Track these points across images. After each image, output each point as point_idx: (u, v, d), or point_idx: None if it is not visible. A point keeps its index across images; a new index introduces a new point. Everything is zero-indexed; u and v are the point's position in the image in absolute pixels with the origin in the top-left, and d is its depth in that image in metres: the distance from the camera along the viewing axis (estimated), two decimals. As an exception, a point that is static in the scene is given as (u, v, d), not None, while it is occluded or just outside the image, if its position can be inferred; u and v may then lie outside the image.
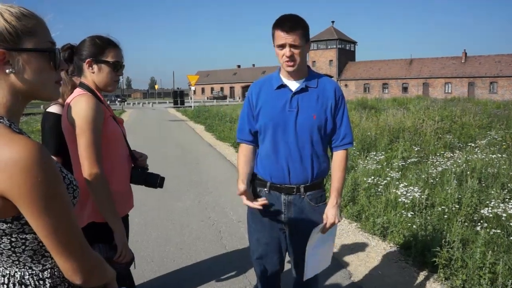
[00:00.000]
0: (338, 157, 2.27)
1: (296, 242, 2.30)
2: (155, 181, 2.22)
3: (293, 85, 2.17)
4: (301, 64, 2.12)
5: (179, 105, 44.61)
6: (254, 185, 2.31)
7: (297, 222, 2.25)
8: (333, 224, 2.17)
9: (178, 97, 47.69)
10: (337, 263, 3.87)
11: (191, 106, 34.73)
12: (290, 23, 2.06)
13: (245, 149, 2.32)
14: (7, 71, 0.98)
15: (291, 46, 2.05)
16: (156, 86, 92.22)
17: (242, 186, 2.16)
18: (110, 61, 2.01)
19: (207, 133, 16.18)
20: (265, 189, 2.26)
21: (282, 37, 2.05)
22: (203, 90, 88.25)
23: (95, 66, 2.00)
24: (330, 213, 2.17)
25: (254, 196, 2.27)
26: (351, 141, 2.27)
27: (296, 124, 2.14)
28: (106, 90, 2.08)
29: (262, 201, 2.13)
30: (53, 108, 2.50)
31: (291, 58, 2.06)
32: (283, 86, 2.18)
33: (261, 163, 2.27)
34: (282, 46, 2.07)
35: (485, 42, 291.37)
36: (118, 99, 54.95)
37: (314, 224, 2.20)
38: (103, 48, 1.99)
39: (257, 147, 2.32)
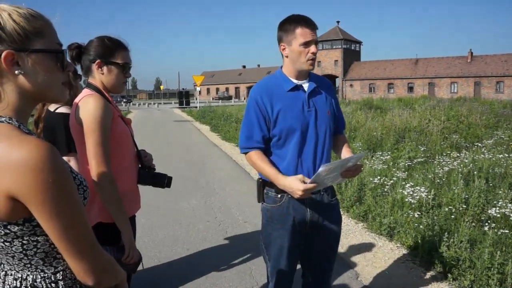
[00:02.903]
0: (343, 138, 2.40)
1: (319, 242, 2.26)
2: (163, 181, 2.22)
3: (304, 85, 2.17)
4: None
5: (184, 106, 44.65)
6: (264, 191, 2.21)
7: (320, 221, 2.22)
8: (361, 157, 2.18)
9: (184, 97, 47.70)
10: (344, 263, 3.87)
11: (196, 107, 34.78)
12: (312, 21, 2.09)
13: (258, 152, 2.14)
14: (16, 72, 0.97)
15: (316, 43, 2.07)
16: (162, 87, 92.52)
17: (299, 182, 1.95)
18: (119, 62, 2.01)
19: (212, 134, 16.20)
20: (287, 194, 2.12)
21: (310, 34, 2.05)
22: (208, 90, 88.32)
23: (104, 68, 2.00)
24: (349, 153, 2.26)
25: (260, 200, 2.23)
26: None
27: (317, 123, 2.15)
28: (114, 91, 2.07)
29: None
30: (63, 109, 2.61)
31: (315, 55, 2.08)
32: (297, 87, 2.15)
33: (281, 167, 2.14)
34: (308, 44, 2.05)
35: (491, 41, 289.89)
36: (124, 100, 55.25)
37: (334, 221, 2.25)
38: (113, 49, 1.99)
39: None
